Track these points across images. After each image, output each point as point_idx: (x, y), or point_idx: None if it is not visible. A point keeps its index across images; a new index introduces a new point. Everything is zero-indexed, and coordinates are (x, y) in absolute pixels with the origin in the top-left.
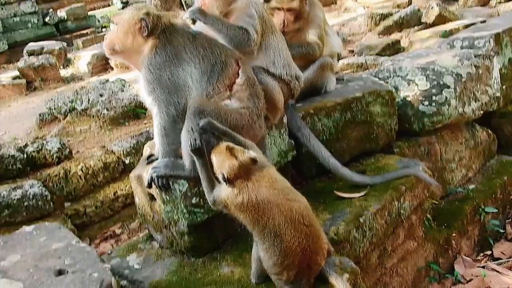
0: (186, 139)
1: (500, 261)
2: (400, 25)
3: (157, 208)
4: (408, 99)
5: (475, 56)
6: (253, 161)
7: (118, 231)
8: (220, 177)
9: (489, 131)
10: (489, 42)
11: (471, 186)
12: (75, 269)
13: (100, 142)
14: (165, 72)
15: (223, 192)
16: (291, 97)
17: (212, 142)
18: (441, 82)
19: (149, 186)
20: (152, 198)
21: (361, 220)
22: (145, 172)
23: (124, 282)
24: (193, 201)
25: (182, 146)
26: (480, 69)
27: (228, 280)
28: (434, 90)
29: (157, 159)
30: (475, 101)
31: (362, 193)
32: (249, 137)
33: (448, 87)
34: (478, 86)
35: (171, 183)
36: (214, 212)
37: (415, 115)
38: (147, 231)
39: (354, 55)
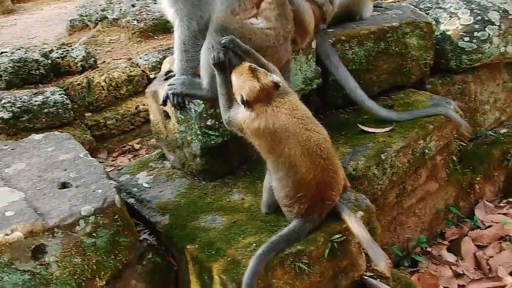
0: (205, 57)
1: None
2: None
3: (171, 127)
4: (448, 33)
5: None
6: (276, 85)
7: (137, 146)
8: (238, 99)
9: None
10: None
11: (503, 131)
12: (80, 183)
13: (127, 54)
14: None
15: (240, 114)
16: (322, 21)
17: (233, 62)
18: (486, 18)
19: (164, 103)
20: (167, 116)
21: (383, 156)
22: (161, 88)
23: (131, 200)
24: (208, 122)
25: (201, 64)
26: None
27: (237, 207)
28: (477, 26)
29: (175, 75)
30: None
31: (387, 129)
32: (274, 60)
33: (493, 23)
34: None
35: (186, 102)
36: (229, 136)
37: (453, 51)
38: (160, 149)
39: None
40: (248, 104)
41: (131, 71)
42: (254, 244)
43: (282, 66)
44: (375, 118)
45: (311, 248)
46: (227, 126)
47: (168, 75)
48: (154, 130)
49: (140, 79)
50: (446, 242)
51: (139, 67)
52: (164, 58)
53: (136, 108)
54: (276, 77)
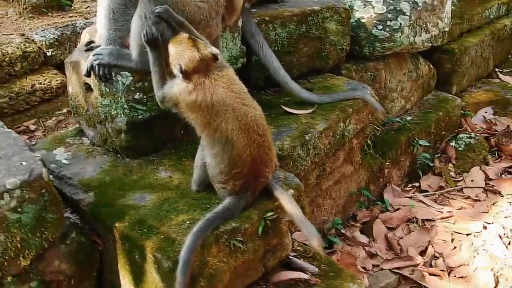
0: (137, 27)
1: (427, 193)
2: None
3: (93, 101)
4: (363, 21)
5: None
6: (214, 57)
7: (32, 127)
8: (176, 69)
9: (431, 66)
10: None
11: (408, 118)
12: (0, 155)
13: (18, 30)
14: None
15: (176, 87)
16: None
17: (166, 34)
18: (398, 8)
19: (88, 74)
20: (88, 88)
21: (307, 137)
22: (83, 59)
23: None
24: (136, 96)
25: (131, 34)
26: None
27: (166, 184)
28: (389, 15)
29: (98, 46)
30: (426, 33)
31: (309, 111)
32: (205, 34)
33: (404, 13)
34: (431, 17)
35: (113, 74)
36: (156, 112)
37: (367, 38)
38: (78, 125)
39: None
40: (186, 74)
41: (26, 47)
42: (188, 222)
43: (212, 41)
44: (297, 100)
45: (245, 225)
46: (161, 104)
47: (90, 46)
48: (72, 104)
49: (37, 56)
50: (358, 224)
51: (35, 43)
52: (62, 35)
53: (32, 87)
54: (215, 49)
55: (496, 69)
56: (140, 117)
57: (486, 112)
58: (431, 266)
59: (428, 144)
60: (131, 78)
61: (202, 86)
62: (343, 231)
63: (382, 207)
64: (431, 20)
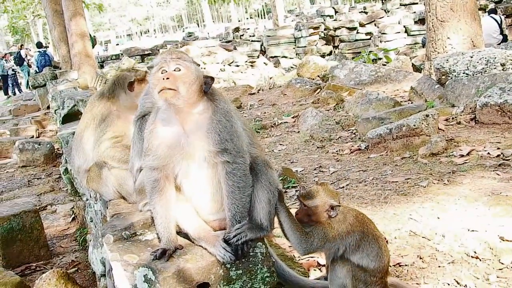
0: (266, 195)
1: None
2: None
3: None
4: None
5: None
6: None
7: None
8: (327, 213)
9: None
10: None
11: None
12: None
13: None
14: (233, 119)
15: (331, 228)
16: None
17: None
18: None
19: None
20: None
21: None
22: (214, 248)
23: None
24: (272, 259)
25: (259, 203)
26: None
27: None
28: None
29: (174, 249)
30: None
31: None
32: None
33: None
34: None
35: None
36: None
37: None
38: None
39: None
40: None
41: None
42: None
43: None
44: None
45: None
46: (309, 252)
47: (162, 249)
48: None
49: None
50: None
51: None
52: None
53: None
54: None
55: None
56: (275, 279)
57: None
58: None
59: None
60: (264, 246)
61: (344, 209)
62: None
63: None
64: None
